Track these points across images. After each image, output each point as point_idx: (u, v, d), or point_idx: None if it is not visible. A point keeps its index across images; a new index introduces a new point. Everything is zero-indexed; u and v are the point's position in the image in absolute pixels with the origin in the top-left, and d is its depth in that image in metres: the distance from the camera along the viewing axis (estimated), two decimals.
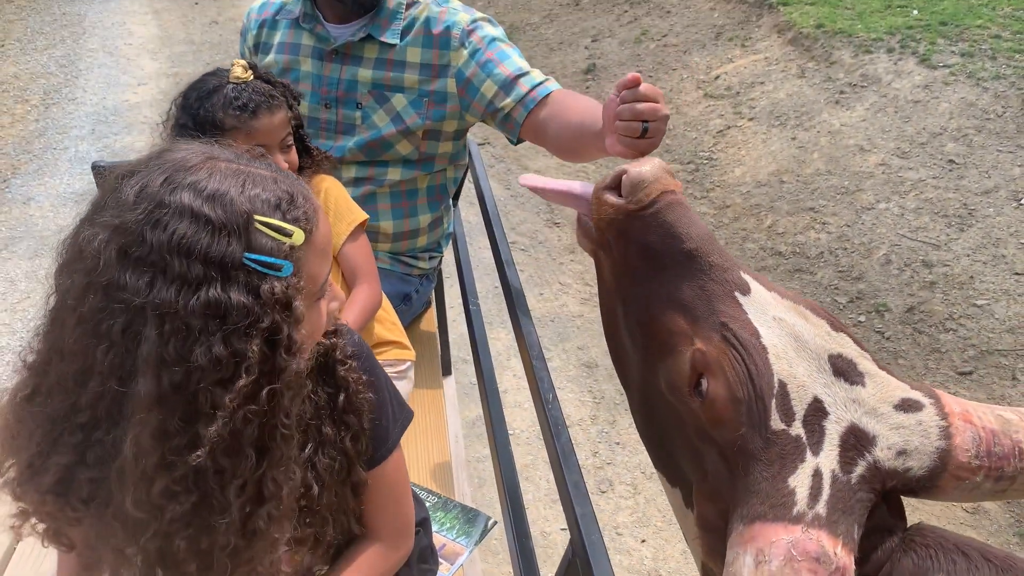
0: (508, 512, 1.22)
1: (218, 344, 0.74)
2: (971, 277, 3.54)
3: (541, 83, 1.74)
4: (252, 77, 1.55)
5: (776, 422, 0.88)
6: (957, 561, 0.85)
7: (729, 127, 5.20)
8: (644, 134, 1.21)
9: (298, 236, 0.80)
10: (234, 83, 1.52)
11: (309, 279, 0.83)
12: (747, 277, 0.99)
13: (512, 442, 3.17)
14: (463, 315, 1.90)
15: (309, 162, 1.69)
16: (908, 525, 0.93)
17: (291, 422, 0.81)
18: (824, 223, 4.18)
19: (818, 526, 0.83)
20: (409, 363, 1.73)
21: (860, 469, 0.87)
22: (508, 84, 1.74)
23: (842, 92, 4.93)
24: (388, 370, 1.67)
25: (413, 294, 2.03)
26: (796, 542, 0.82)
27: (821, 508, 0.84)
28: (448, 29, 1.80)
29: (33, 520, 0.86)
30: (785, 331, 0.93)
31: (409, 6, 1.85)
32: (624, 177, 1.03)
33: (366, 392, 1.00)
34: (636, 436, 3.13)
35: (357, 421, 0.98)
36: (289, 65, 1.90)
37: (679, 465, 1.03)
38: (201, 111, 1.51)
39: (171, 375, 0.74)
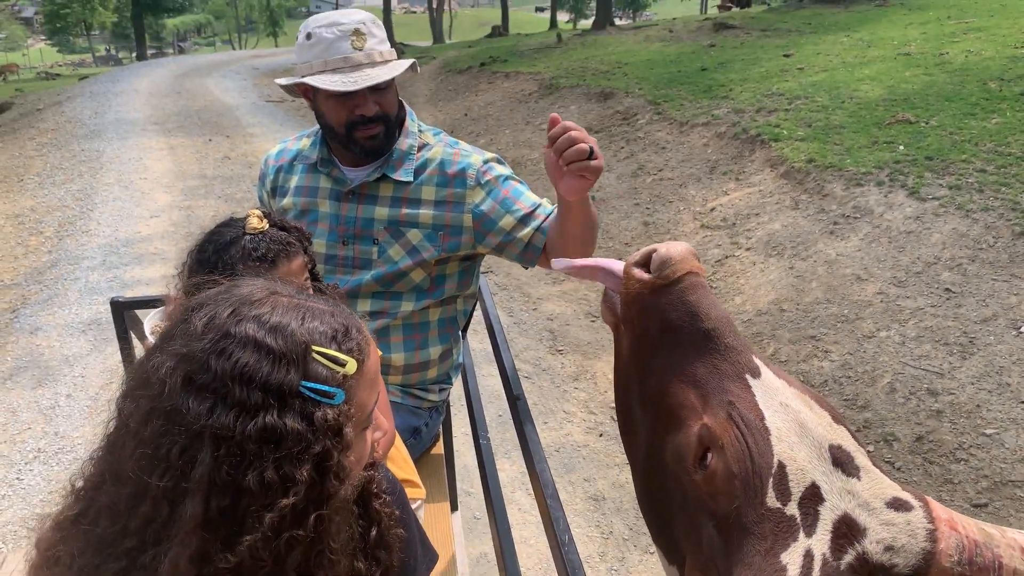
0: None
1: (270, 469, 0.76)
2: (978, 406, 3.52)
3: (553, 209, 1.89)
4: (268, 226, 1.58)
5: (772, 500, 0.92)
6: None
7: (727, 256, 5.31)
8: (592, 155, 1.39)
9: (351, 366, 0.84)
10: (251, 234, 1.55)
11: (358, 407, 0.86)
12: (759, 362, 1.04)
13: None
14: (467, 445, 1.89)
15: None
16: None
17: (338, 547, 0.83)
18: (827, 351, 4.20)
19: None
20: (419, 502, 1.70)
21: (849, 557, 0.90)
22: (527, 217, 1.88)
23: (836, 223, 5.07)
24: None
25: (423, 427, 2.03)
26: None
27: None
28: (463, 170, 1.92)
29: None
30: (790, 416, 0.98)
31: (421, 148, 1.97)
32: (654, 255, 1.10)
33: (397, 527, 1.01)
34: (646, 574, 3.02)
35: (388, 557, 0.99)
36: (307, 207, 2.00)
37: (676, 539, 1.05)
38: (220, 264, 1.54)
39: (219, 499, 0.76)
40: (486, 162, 1.94)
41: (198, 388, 0.78)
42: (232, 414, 0.77)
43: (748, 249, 5.27)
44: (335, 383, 0.82)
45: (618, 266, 1.20)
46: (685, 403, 1.04)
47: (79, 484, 0.85)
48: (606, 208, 6.43)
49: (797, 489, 0.93)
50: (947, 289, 4.23)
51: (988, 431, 3.40)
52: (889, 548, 0.92)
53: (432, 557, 1.12)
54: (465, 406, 2.26)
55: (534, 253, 1.90)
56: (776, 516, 0.92)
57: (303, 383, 0.80)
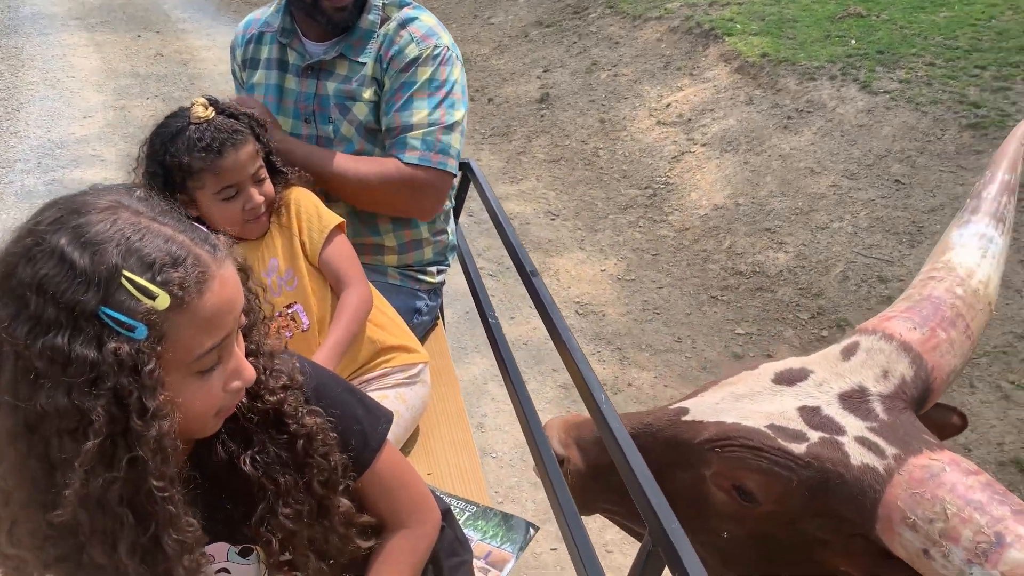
0: (566, 523, 1.24)
1: (61, 395, 0.74)
2: None
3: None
4: (214, 114, 1.54)
5: (797, 449, 0.94)
6: None
7: (683, 153, 5.35)
8: None
9: (162, 300, 0.77)
10: (196, 123, 1.51)
11: (179, 348, 0.80)
12: (676, 406, 1.10)
13: (496, 464, 3.18)
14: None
15: (281, 180, 1.68)
16: None
17: (166, 484, 0.80)
18: (782, 243, 4.32)
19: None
20: (421, 366, 1.72)
21: (886, 392, 0.99)
22: (392, 130, 1.85)
23: (790, 118, 5.13)
24: (399, 376, 1.67)
25: (424, 308, 2.04)
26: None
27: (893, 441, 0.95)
28: (400, 52, 1.83)
29: None
30: (734, 401, 1.04)
31: (383, 23, 1.87)
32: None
33: (325, 433, 0.99)
34: None
35: (322, 461, 0.98)
36: (277, 80, 1.93)
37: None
38: (167, 156, 1.51)
39: (24, 413, 0.75)
40: (423, 55, 1.84)
41: (5, 292, 0.76)
42: (27, 327, 0.74)
43: (704, 145, 5.31)
44: (138, 316, 0.75)
45: None
46: (680, 487, 1.05)
47: None
48: (561, 105, 6.36)
49: (798, 424, 0.98)
50: (897, 181, 4.36)
51: None
52: (886, 372, 1.00)
53: (384, 415, 1.12)
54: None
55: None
56: (814, 451, 0.95)
57: (102, 308, 0.74)
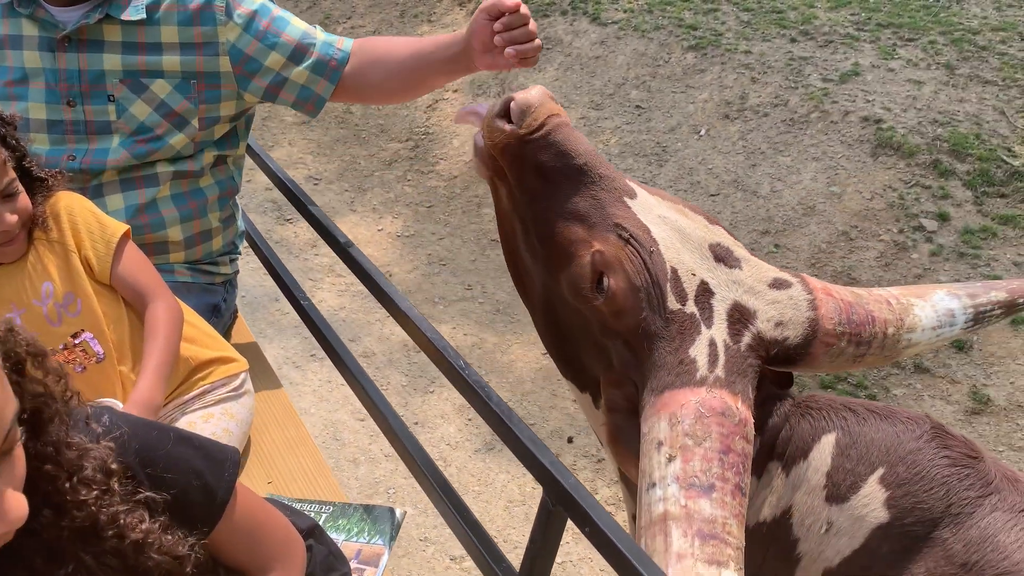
0: (441, 496, 1.20)
1: None
2: None
3: (333, 43, 1.71)
4: None
5: (672, 303, 1.01)
6: (847, 417, 1.03)
7: (437, 101, 5.34)
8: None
9: None
10: None
11: None
12: (632, 184, 1.11)
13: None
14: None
15: (42, 189, 1.40)
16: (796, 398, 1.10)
17: None
18: None
19: (719, 386, 0.97)
20: (243, 374, 1.57)
21: (747, 339, 1.02)
22: (296, 54, 1.67)
23: None
24: (221, 391, 1.52)
25: (221, 304, 1.85)
26: (703, 401, 0.95)
27: (720, 371, 0.99)
28: (209, 2, 1.63)
29: None
30: (670, 226, 1.07)
31: None
32: (512, 104, 1.09)
33: (161, 534, 0.85)
34: (438, 415, 3.17)
35: (166, 560, 0.85)
36: (12, 62, 1.61)
37: (585, 367, 1.13)
38: None
39: None
40: None
41: None
42: None
43: (455, 91, 5.33)
44: None
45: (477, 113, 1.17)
46: (574, 238, 1.08)
47: None
48: None
49: (691, 288, 1.02)
50: (637, 106, 4.68)
51: None
52: (779, 323, 1.04)
53: (229, 456, 0.99)
54: None
55: (316, 101, 1.72)
56: (679, 316, 1.01)
57: None
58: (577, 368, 1.15)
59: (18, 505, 0.69)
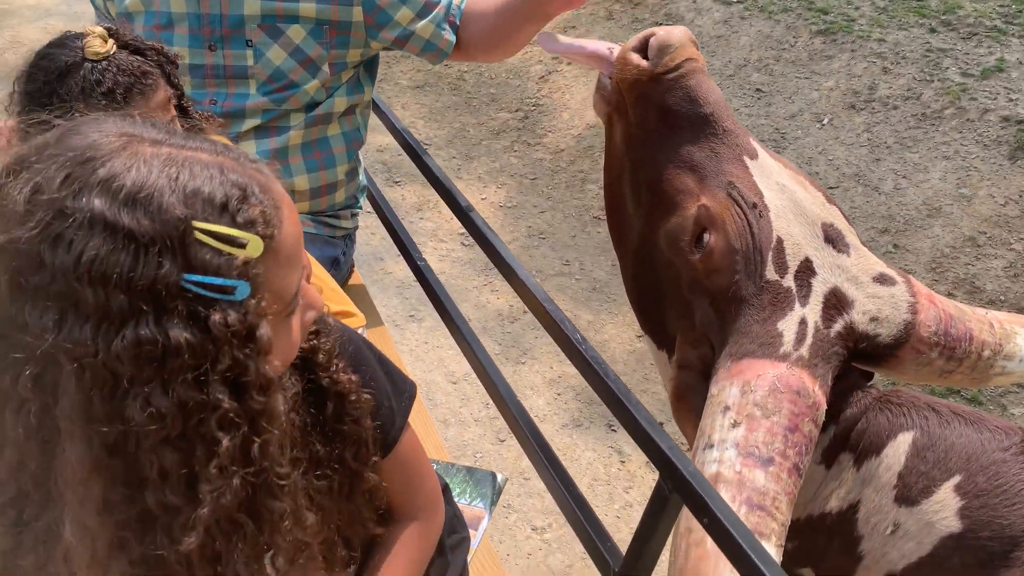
0: (547, 466, 1.20)
1: (158, 395, 0.58)
2: None
3: (452, 1, 1.76)
4: (115, 48, 1.24)
5: (771, 272, 0.98)
6: (929, 417, 0.97)
7: (550, 73, 5.29)
8: None
9: (255, 246, 0.62)
10: (93, 60, 1.20)
11: (275, 296, 0.65)
12: (756, 145, 1.08)
13: None
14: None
15: (196, 130, 1.45)
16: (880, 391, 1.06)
17: (287, 470, 0.67)
18: None
19: (800, 366, 0.94)
20: (361, 330, 1.61)
21: (838, 326, 0.99)
22: (424, 10, 1.72)
23: None
24: None
25: (340, 257, 1.90)
26: (781, 376, 0.92)
27: (804, 351, 0.95)
28: None
29: None
30: (786, 196, 1.03)
31: None
32: (652, 39, 1.06)
33: (360, 393, 0.87)
34: (527, 387, 3.19)
35: (356, 428, 0.86)
36: (159, 6, 1.66)
37: (666, 323, 1.11)
38: (55, 98, 1.19)
39: (103, 436, 0.59)
40: None
41: (34, 292, 0.57)
42: (89, 326, 0.57)
43: (570, 64, 5.27)
44: (234, 273, 0.60)
45: (614, 51, 1.14)
46: (682, 188, 1.05)
47: None
48: None
49: (793, 262, 0.99)
50: (758, 89, 4.52)
51: None
52: (874, 319, 1.01)
53: (409, 388, 1.01)
54: None
55: (438, 54, 1.77)
56: (774, 287, 0.98)
57: (185, 277, 0.58)
58: (656, 322, 1.13)
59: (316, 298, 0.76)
